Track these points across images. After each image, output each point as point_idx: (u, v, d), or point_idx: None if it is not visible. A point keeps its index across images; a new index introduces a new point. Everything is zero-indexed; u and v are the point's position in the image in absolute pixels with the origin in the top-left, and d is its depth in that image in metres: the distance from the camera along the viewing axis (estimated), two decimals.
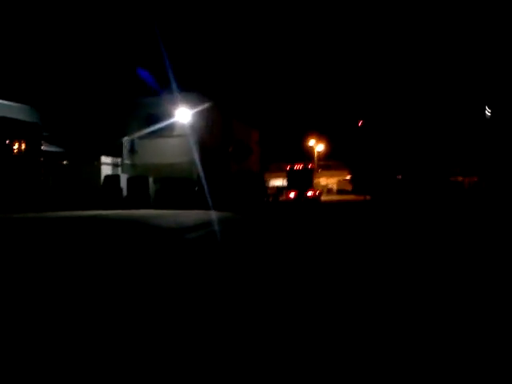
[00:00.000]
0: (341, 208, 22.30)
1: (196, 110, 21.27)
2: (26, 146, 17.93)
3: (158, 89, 21.51)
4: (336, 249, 7.11)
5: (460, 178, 35.60)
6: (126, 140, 21.86)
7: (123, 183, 19.25)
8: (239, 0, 45.13)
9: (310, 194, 31.25)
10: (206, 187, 19.11)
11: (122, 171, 21.34)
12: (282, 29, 53.31)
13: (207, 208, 16.31)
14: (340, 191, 50.42)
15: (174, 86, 20.92)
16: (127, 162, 21.75)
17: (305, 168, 32.98)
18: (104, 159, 20.51)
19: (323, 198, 34.74)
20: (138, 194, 18.96)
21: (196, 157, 20.67)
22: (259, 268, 5.47)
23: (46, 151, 19.13)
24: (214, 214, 14.49)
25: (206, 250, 7.32)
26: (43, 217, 12.63)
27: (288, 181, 32.92)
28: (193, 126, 21.24)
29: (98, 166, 19.80)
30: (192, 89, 21.97)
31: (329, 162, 56.99)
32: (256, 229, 11.78)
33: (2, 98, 18.65)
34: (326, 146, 54.61)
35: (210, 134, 22.65)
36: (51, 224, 10.69)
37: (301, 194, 30.85)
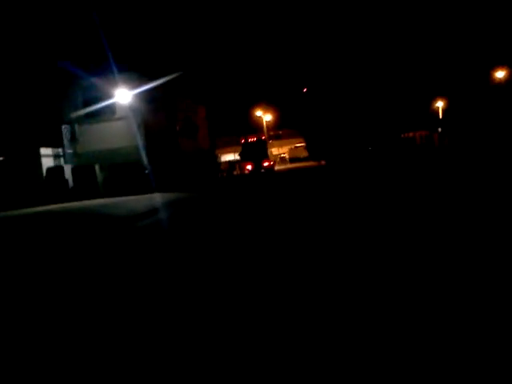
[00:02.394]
0: (295, 175, 22.24)
1: (137, 90, 20.22)
2: None
3: (91, 73, 20.10)
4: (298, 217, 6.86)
5: (411, 134, 36.18)
6: (64, 128, 20.45)
7: (67, 174, 18.15)
8: None
9: (265, 164, 31.99)
10: (156, 169, 18.40)
11: (65, 162, 20.08)
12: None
13: (160, 190, 15.70)
14: (292, 159, 50.37)
15: (111, 67, 19.71)
16: (69, 151, 20.45)
17: (258, 140, 33.48)
18: (44, 151, 19.14)
19: (277, 167, 34.89)
20: (85, 183, 17.95)
21: (142, 139, 19.81)
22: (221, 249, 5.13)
23: None
24: (168, 196, 13.94)
25: (160, 236, 6.91)
26: None
27: (243, 154, 33.33)
28: (135, 108, 20.25)
29: (37, 158, 18.47)
30: (131, 69, 20.81)
31: (279, 131, 56.81)
32: (214, 206, 11.38)
33: None
34: (275, 116, 54.23)
35: (154, 114, 21.66)
36: None
37: (257, 166, 31.52)
